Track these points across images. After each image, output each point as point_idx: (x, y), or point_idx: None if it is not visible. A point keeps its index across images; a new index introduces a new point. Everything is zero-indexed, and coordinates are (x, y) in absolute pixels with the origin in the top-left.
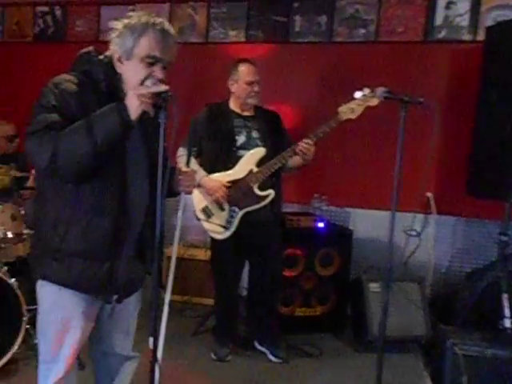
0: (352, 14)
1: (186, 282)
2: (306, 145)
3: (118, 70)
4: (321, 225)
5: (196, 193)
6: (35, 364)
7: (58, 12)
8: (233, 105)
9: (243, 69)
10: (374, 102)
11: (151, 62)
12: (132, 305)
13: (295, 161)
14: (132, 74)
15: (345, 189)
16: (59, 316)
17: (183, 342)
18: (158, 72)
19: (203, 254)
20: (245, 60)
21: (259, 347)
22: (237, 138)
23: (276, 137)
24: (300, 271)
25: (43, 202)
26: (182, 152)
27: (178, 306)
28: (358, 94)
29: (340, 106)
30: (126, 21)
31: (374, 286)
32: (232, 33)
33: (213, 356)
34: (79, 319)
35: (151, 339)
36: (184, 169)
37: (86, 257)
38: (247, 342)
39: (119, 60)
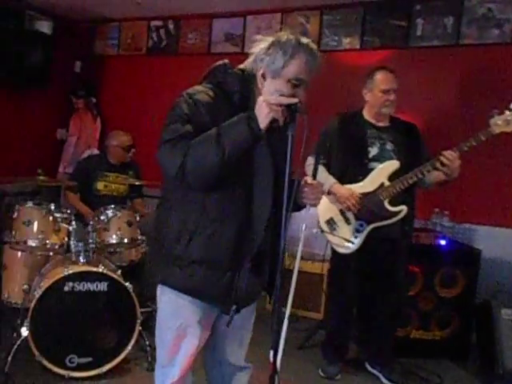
0: (483, 14)
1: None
2: (448, 158)
3: (259, 86)
4: (442, 242)
5: (322, 203)
6: (146, 365)
7: (171, 26)
8: (367, 114)
9: (379, 77)
10: None
11: (296, 84)
12: (247, 316)
13: (435, 176)
14: (274, 91)
15: (469, 203)
16: (177, 323)
17: (289, 356)
18: (300, 93)
19: (310, 267)
20: (382, 67)
21: (371, 369)
22: (369, 149)
23: (412, 150)
24: (417, 290)
25: (168, 209)
26: (310, 161)
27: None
28: None
29: (492, 117)
30: (274, 38)
31: (507, 313)
32: (345, 40)
33: (321, 373)
34: (196, 327)
35: (272, 352)
36: (309, 181)
37: (208, 265)
38: (357, 362)
39: (263, 76)
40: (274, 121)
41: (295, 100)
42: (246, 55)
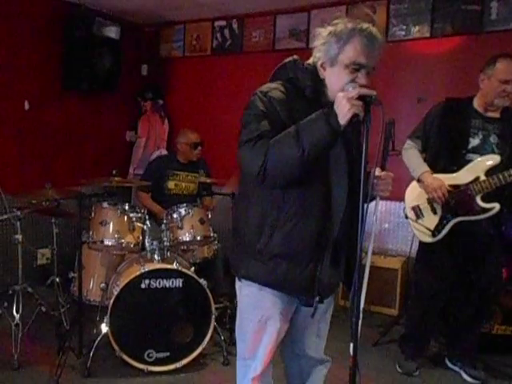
0: None
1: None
2: None
3: (321, 76)
4: None
5: (411, 189)
6: (221, 359)
7: (235, 25)
8: (476, 103)
9: (501, 65)
10: None
11: (356, 68)
12: (324, 309)
13: None
14: (335, 79)
15: None
16: (258, 315)
17: (365, 352)
18: (361, 78)
19: (383, 262)
20: (506, 55)
21: (451, 366)
22: (470, 139)
23: None
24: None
25: (247, 206)
26: (408, 145)
27: None
28: None
29: None
30: (331, 28)
31: None
32: (415, 29)
33: (398, 369)
34: (276, 319)
35: (351, 345)
36: (378, 173)
37: (290, 259)
38: (436, 358)
39: (322, 66)
40: (354, 116)
41: (373, 92)
42: (311, 50)
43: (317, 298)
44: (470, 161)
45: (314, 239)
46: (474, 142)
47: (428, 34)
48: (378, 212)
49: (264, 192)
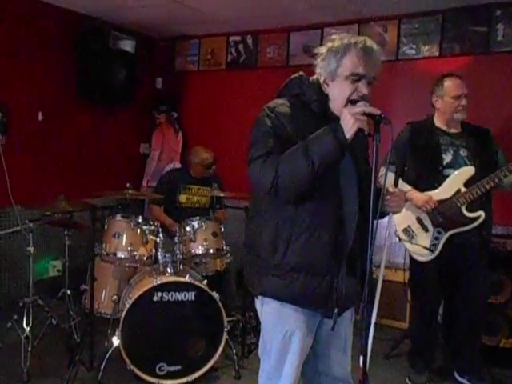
0: None
1: None
2: None
3: (325, 92)
4: None
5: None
6: (233, 373)
7: (250, 40)
8: (438, 122)
9: (449, 83)
10: None
11: (355, 79)
12: (346, 323)
13: None
14: (338, 92)
15: None
16: (282, 331)
17: (376, 365)
18: (362, 88)
19: (393, 275)
20: (450, 74)
21: (459, 378)
22: (443, 156)
23: (486, 155)
24: (506, 298)
25: (260, 221)
26: (383, 171)
27: None
28: None
29: None
30: (329, 44)
31: None
32: (424, 48)
33: (408, 382)
34: (300, 333)
35: (361, 358)
36: (391, 189)
37: (306, 272)
38: (445, 371)
39: (325, 82)
40: (359, 130)
41: (378, 111)
42: None
43: (335, 310)
44: (447, 176)
45: (328, 251)
46: (447, 157)
47: (437, 54)
48: (391, 227)
49: (277, 207)
